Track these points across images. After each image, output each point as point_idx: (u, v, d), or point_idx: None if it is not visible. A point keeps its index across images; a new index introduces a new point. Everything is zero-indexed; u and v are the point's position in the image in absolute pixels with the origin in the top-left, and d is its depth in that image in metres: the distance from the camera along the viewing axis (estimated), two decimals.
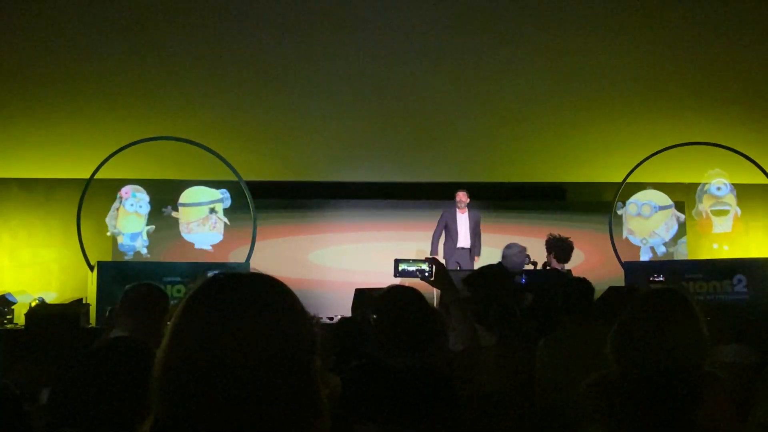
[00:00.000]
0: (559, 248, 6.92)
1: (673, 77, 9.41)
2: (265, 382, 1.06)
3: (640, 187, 9.94)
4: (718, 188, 9.84)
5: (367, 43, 8.97)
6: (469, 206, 9.17)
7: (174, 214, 9.24)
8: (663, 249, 9.86)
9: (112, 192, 9.16)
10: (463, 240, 8.97)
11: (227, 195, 9.27)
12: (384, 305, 3.01)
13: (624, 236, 9.89)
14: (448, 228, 9.09)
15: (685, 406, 2.17)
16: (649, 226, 9.87)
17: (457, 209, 9.06)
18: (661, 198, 9.96)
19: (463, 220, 9.05)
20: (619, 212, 9.87)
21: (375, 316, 3.02)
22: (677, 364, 2.22)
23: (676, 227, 9.92)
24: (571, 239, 7.03)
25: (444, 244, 9.14)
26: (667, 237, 9.90)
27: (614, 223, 9.67)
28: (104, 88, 9.03)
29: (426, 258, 3.54)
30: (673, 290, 2.46)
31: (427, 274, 3.32)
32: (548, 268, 6.98)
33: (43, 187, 9.89)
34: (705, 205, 9.87)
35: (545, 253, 7.07)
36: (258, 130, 9.74)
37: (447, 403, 2.86)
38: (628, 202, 9.90)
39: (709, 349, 2.32)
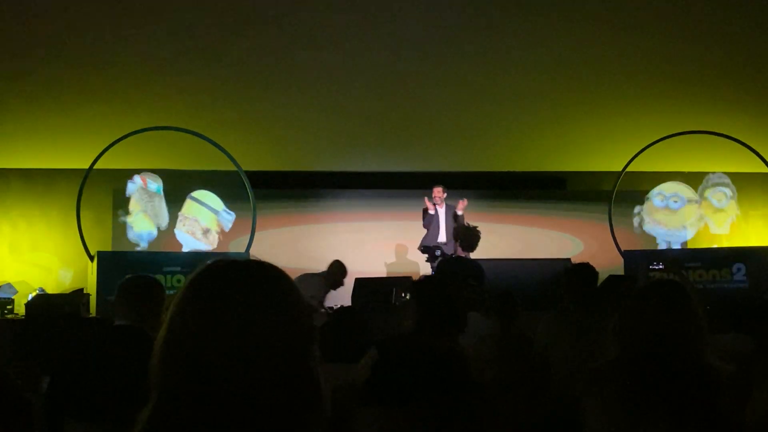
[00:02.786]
0: (464, 237, 7.05)
1: (673, 66, 9.39)
2: (263, 369, 1.06)
3: (656, 181, 9.88)
4: (719, 200, 9.74)
5: (364, 35, 8.94)
6: (446, 200, 9.11)
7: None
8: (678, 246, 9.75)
9: (112, 182, 9.15)
10: (442, 235, 8.93)
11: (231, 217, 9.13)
12: (427, 288, 3.20)
13: (644, 229, 9.74)
14: (429, 222, 9.02)
15: (685, 397, 2.19)
16: (678, 219, 9.75)
17: (436, 205, 9.00)
18: (688, 192, 9.84)
19: (441, 215, 9.00)
20: (639, 207, 9.74)
21: (412, 297, 3.20)
22: (677, 354, 2.24)
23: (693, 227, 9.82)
24: (479, 229, 7.15)
25: (424, 238, 9.06)
26: (688, 236, 9.81)
27: (618, 214, 9.64)
28: (103, 78, 9.01)
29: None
30: (673, 281, 2.48)
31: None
32: (455, 256, 7.07)
33: (43, 177, 9.89)
34: (704, 211, 9.80)
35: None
36: (257, 120, 9.73)
37: (465, 387, 2.96)
38: (654, 193, 9.77)
39: (708, 340, 2.34)
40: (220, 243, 9.13)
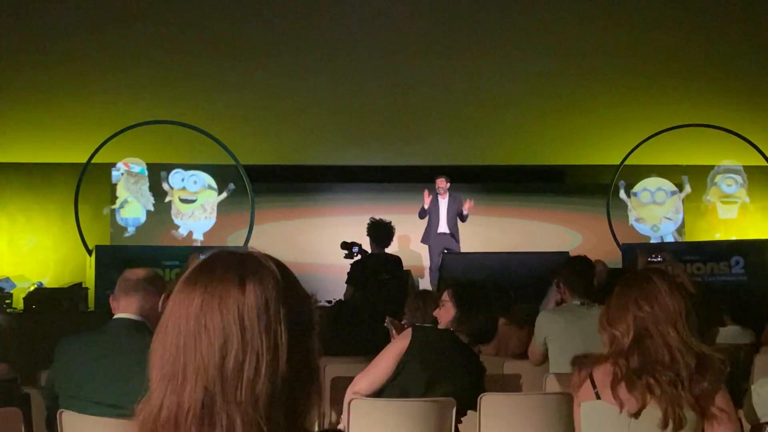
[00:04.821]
0: (375, 232, 6.98)
1: (671, 59, 9.38)
2: (261, 359, 1.06)
3: (642, 172, 9.90)
4: (729, 185, 9.78)
5: (362, 28, 8.93)
6: (451, 190, 9.08)
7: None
8: (671, 238, 9.77)
9: (110, 176, 9.14)
10: (443, 226, 8.92)
11: (231, 187, 9.14)
12: (467, 294, 3.34)
13: (630, 223, 9.80)
14: (430, 214, 9.01)
15: (675, 386, 2.19)
16: (661, 212, 9.78)
17: (438, 195, 8.99)
18: (669, 184, 9.90)
19: (443, 206, 8.99)
20: (623, 198, 9.78)
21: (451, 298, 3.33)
22: (664, 343, 2.24)
23: (682, 213, 9.87)
24: (392, 223, 7.07)
25: (426, 230, 9.07)
26: (678, 222, 9.84)
27: (616, 207, 9.65)
28: (102, 72, 8.99)
29: None
30: (656, 269, 2.48)
31: None
32: (368, 253, 7.01)
33: (41, 171, 9.86)
34: (713, 196, 9.82)
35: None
36: (255, 114, 9.71)
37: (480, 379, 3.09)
38: (640, 190, 9.78)
39: (697, 327, 2.33)
40: (219, 238, 9.13)
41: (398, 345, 3.07)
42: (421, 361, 3.02)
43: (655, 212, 9.78)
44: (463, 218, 8.82)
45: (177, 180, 8.99)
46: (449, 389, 3.01)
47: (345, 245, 7.15)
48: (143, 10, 8.53)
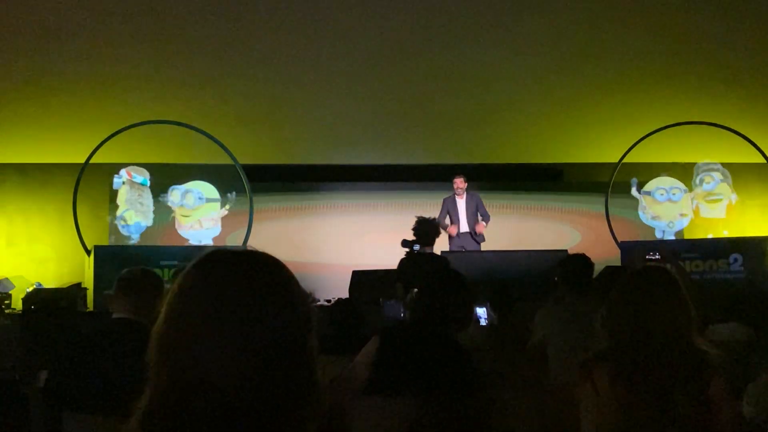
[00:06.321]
0: (422, 231, 6.88)
1: (669, 57, 9.38)
2: (261, 359, 1.06)
3: (641, 170, 9.92)
4: (707, 182, 9.81)
5: (364, 26, 8.93)
6: (468, 189, 9.06)
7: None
8: (671, 236, 9.80)
9: (108, 176, 9.14)
10: (464, 225, 8.90)
11: (232, 197, 9.14)
12: (437, 282, 3.24)
13: (647, 222, 9.83)
14: (450, 214, 9.01)
15: (674, 382, 2.20)
16: (676, 209, 9.82)
17: (456, 196, 8.98)
18: (680, 183, 9.94)
19: (461, 206, 8.97)
20: (635, 195, 9.82)
21: (416, 291, 3.27)
22: (665, 339, 2.25)
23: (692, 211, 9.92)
24: (437, 221, 6.95)
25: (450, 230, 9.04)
26: (689, 218, 9.88)
27: (615, 205, 9.66)
28: (100, 72, 8.98)
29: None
30: (657, 267, 2.49)
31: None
32: (416, 251, 6.91)
33: (39, 172, 9.85)
34: (697, 198, 9.87)
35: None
36: (254, 113, 9.71)
37: (467, 379, 3.00)
38: (654, 188, 9.83)
39: (697, 325, 2.34)
40: (218, 237, 9.13)
41: (368, 349, 3.04)
42: (395, 359, 2.97)
43: (671, 210, 9.80)
44: (477, 236, 8.83)
45: (176, 197, 8.97)
46: (430, 383, 2.95)
47: (405, 243, 7.01)
48: (142, 10, 8.51)
